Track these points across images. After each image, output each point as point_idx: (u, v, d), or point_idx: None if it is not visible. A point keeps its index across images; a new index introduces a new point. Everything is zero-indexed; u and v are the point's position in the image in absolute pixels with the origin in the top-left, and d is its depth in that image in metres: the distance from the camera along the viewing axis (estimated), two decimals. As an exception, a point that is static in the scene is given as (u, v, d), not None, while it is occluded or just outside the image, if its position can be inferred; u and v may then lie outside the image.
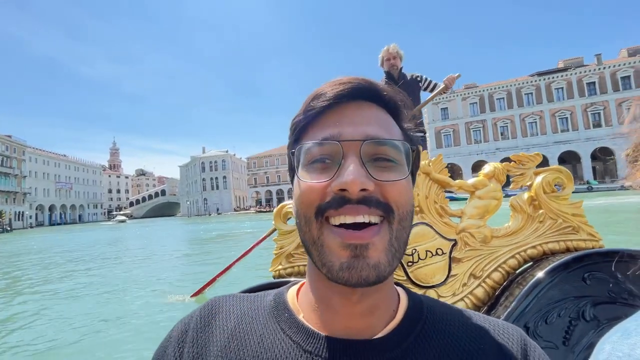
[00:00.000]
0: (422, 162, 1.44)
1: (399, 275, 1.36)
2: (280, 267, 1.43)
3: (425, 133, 3.69)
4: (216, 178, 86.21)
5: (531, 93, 52.38)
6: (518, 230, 1.25)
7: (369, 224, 0.41)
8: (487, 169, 1.36)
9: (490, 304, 1.25)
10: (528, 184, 1.26)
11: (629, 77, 47.39)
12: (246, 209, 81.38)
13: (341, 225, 0.42)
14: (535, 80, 52.13)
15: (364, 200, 0.41)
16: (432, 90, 3.51)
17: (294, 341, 0.45)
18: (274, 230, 1.56)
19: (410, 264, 1.37)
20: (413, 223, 1.45)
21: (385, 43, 3.53)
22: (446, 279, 1.33)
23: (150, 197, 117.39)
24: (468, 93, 55.81)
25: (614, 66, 48.33)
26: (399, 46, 3.48)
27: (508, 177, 1.34)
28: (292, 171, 0.49)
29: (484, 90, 54.87)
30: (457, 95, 55.66)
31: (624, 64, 47.74)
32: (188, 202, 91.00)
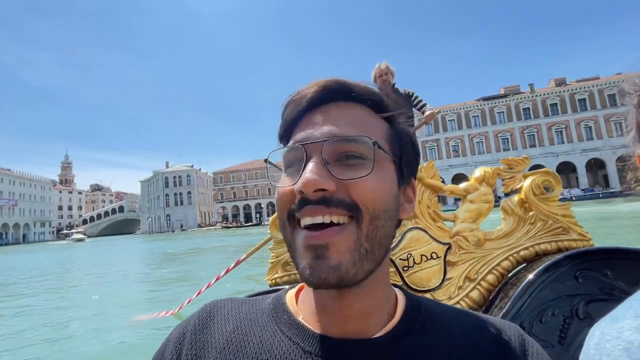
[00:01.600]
0: None
1: (394, 280, 1.32)
2: (277, 275, 1.37)
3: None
4: (180, 193, 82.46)
5: (477, 116, 56.78)
6: (510, 233, 1.27)
7: (331, 224, 0.40)
8: (477, 173, 1.37)
9: (486, 306, 1.24)
10: (518, 186, 1.28)
11: (556, 104, 53.12)
12: (212, 225, 78.20)
13: (306, 227, 0.41)
14: (481, 105, 56.67)
15: (323, 200, 0.40)
16: (418, 108, 3.66)
17: (294, 342, 0.45)
18: (269, 239, 1.48)
19: (405, 268, 1.35)
20: (407, 228, 1.45)
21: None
22: (442, 283, 1.31)
23: (106, 213, 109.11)
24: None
25: (544, 94, 54.01)
26: (389, 62, 3.62)
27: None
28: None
29: (437, 113, 58.96)
30: (415, 116, 58.91)
31: (552, 93, 53.55)
32: (149, 219, 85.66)
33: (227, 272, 2.94)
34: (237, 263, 2.69)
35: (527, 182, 1.26)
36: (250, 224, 68.79)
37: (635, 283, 1.02)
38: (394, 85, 3.65)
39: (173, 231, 75.11)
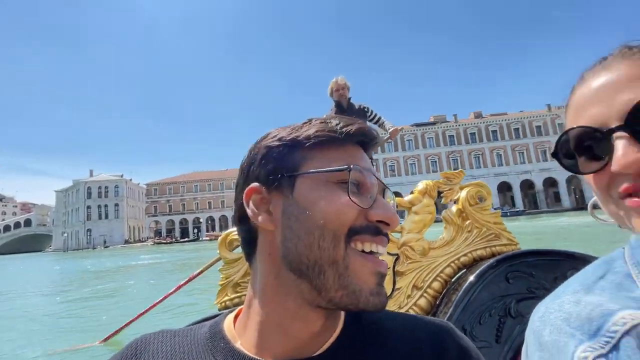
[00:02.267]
0: None
1: None
2: (226, 298, 1.29)
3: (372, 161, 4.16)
4: (106, 206, 73.59)
5: (411, 140, 61.85)
6: (451, 241, 1.35)
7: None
8: (420, 186, 1.45)
9: (433, 312, 1.29)
10: (456, 197, 1.38)
11: (474, 133, 60.50)
12: (142, 241, 71.05)
13: (366, 253, 0.44)
14: (414, 130, 61.97)
15: (386, 234, 0.46)
16: (376, 123, 3.72)
17: None
18: (217, 260, 1.38)
19: None
20: None
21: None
22: (392, 293, 1.34)
23: (7, 228, 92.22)
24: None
25: (466, 124, 61.19)
26: (346, 78, 3.68)
27: (439, 192, 1.46)
28: (281, 177, 0.47)
29: (400, 129, 63.64)
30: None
31: (471, 124, 60.96)
32: (65, 234, 74.64)
33: (178, 288, 2.64)
34: (190, 279, 2.42)
35: (463, 193, 1.36)
36: (186, 239, 63.87)
37: (554, 280, 1.14)
38: (349, 99, 3.72)
39: (94, 248, 66.56)
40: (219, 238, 1.37)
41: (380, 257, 1.45)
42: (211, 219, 75.86)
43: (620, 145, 0.41)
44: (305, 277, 0.43)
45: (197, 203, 75.88)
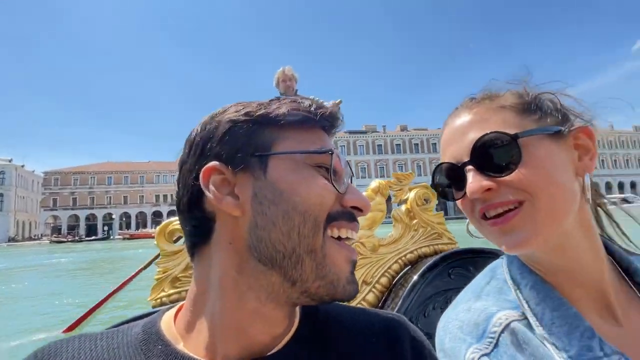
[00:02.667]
0: None
1: None
2: (163, 294, 1.17)
3: None
4: (-15, 196, 60.56)
5: (344, 145, 64.57)
6: (399, 238, 1.41)
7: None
8: (373, 185, 1.49)
9: (380, 306, 1.32)
10: (405, 197, 1.46)
11: (400, 144, 66.01)
12: (35, 238, 60.03)
13: (341, 239, 0.42)
14: (347, 137, 64.80)
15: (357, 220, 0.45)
16: None
17: None
18: (158, 256, 1.27)
19: None
20: None
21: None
22: None
23: None
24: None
25: (393, 136, 66.36)
26: (293, 69, 3.51)
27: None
28: (252, 156, 0.42)
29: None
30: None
31: (398, 136, 66.39)
32: None
33: (116, 291, 2.25)
34: (125, 283, 2.09)
35: (412, 194, 1.45)
36: (94, 238, 55.47)
37: None
38: (296, 91, 3.59)
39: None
40: (157, 228, 1.24)
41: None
42: (126, 215, 67.72)
43: (469, 175, 0.50)
44: (278, 268, 0.39)
45: (110, 197, 67.22)
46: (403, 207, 1.44)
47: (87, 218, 65.48)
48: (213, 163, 0.41)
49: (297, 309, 0.48)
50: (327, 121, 0.45)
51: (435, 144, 64.42)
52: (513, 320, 0.50)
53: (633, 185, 64.66)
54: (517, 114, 0.52)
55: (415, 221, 1.41)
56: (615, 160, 66.56)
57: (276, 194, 0.40)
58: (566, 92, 0.54)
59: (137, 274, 2.05)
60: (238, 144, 0.42)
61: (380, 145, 66.22)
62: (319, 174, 0.42)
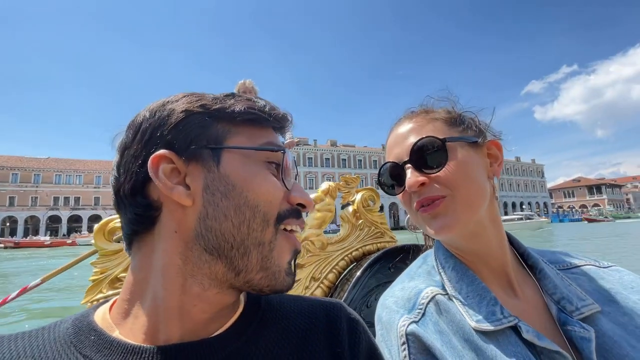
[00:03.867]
0: None
1: None
2: (100, 295, 1.07)
3: None
4: None
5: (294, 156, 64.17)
6: (346, 237, 1.48)
7: None
8: (323, 186, 1.55)
9: None
10: (352, 199, 1.54)
11: (329, 158, 68.47)
12: None
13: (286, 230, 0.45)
14: (278, 148, 64.77)
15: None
16: None
17: None
18: (93, 252, 1.18)
19: None
20: None
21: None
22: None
23: None
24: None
25: (323, 150, 68.59)
26: (254, 82, 3.44)
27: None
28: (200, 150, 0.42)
29: (297, 142, 63.59)
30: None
31: (327, 150, 68.86)
32: None
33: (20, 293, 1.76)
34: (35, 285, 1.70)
35: (358, 196, 1.54)
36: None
37: None
38: None
39: None
40: (96, 227, 1.12)
41: None
42: (11, 219, 55.19)
43: (408, 172, 0.61)
44: (224, 258, 0.41)
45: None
46: (350, 208, 1.52)
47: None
48: (163, 151, 0.40)
49: (243, 293, 0.49)
50: (278, 122, 0.48)
51: (360, 160, 68.52)
52: (437, 294, 0.61)
53: (521, 204, 78.66)
54: (446, 125, 0.64)
55: (361, 221, 1.50)
56: (502, 184, 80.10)
57: (228, 187, 0.41)
58: (481, 114, 0.69)
59: (55, 273, 1.70)
60: (192, 135, 0.41)
61: (311, 158, 67.76)
62: (269, 171, 0.44)
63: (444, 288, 0.62)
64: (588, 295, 0.58)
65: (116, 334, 0.40)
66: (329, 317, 0.50)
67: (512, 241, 0.68)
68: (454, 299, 0.59)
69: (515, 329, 0.54)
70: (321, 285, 1.38)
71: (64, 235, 50.24)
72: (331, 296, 1.37)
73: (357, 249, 1.46)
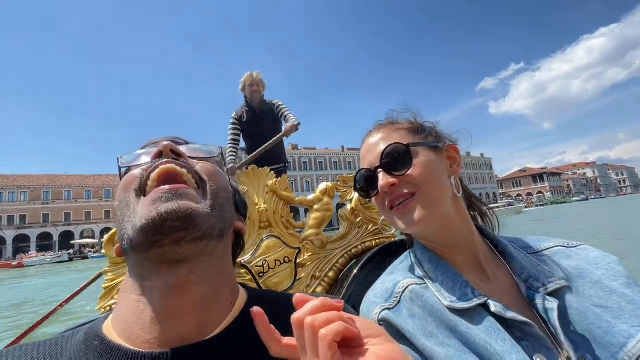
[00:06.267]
0: (270, 182, 1.52)
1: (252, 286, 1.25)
2: (112, 302, 1.12)
3: (286, 162, 3.71)
4: None
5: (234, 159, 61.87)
6: (345, 235, 1.50)
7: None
8: (321, 187, 1.56)
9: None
10: (350, 198, 1.56)
11: (290, 162, 67.22)
12: None
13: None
14: (240, 152, 62.55)
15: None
16: (281, 116, 3.38)
17: None
18: (102, 273, 1.22)
19: (261, 274, 1.35)
20: (263, 236, 1.39)
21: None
22: (293, 284, 1.37)
23: None
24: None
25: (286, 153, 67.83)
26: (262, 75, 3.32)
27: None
28: None
29: (298, 125, 61.00)
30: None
31: (289, 154, 67.72)
32: None
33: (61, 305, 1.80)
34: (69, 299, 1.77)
35: (356, 195, 1.56)
36: None
37: None
38: (263, 96, 3.40)
39: None
40: (105, 237, 1.14)
41: (283, 250, 1.48)
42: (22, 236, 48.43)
43: (380, 176, 0.69)
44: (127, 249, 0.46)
45: None
46: (349, 207, 1.55)
47: None
48: None
49: (240, 291, 0.52)
50: (155, 145, 0.54)
51: (322, 162, 68.15)
52: (413, 284, 0.67)
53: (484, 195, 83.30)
54: (409, 133, 0.72)
55: (359, 219, 1.52)
56: (469, 178, 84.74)
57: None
58: (439, 123, 0.78)
59: (83, 288, 1.80)
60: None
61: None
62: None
63: (422, 279, 0.68)
64: (555, 273, 0.63)
65: (116, 339, 0.42)
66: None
67: (482, 231, 0.75)
68: (430, 287, 0.66)
69: (485, 306, 0.59)
70: (322, 283, 1.39)
71: (9, 258, 45.24)
72: (332, 292, 1.38)
73: (356, 246, 1.48)
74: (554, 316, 0.56)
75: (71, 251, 46.19)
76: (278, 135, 3.02)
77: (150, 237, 0.41)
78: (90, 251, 46.92)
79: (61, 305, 1.74)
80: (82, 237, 52.13)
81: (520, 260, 0.66)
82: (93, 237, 51.42)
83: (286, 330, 0.44)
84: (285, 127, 3.15)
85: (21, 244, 49.44)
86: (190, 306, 0.42)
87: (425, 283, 0.67)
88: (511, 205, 50.93)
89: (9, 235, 48.31)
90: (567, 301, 0.59)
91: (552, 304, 0.57)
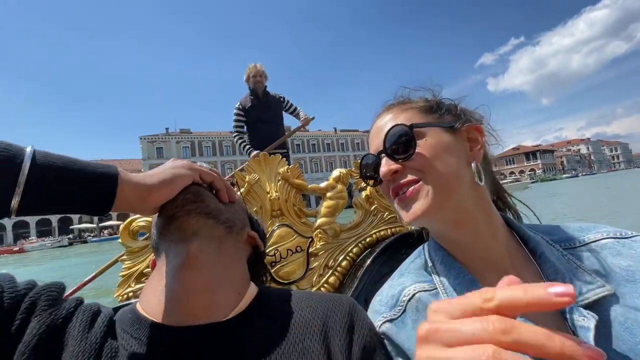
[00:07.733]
0: (282, 169, 1.45)
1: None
2: (129, 289, 1.14)
3: (288, 150, 3.84)
4: None
5: (229, 146, 59.39)
6: (359, 223, 1.43)
7: None
8: (335, 174, 1.48)
9: (338, 287, 1.32)
10: (364, 185, 1.48)
11: (299, 144, 65.23)
12: None
13: None
14: (231, 137, 59.81)
15: None
16: (292, 113, 3.59)
17: (135, 337, 0.46)
18: (120, 257, 1.30)
19: (273, 264, 1.30)
20: (275, 226, 1.32)
21: None
22: (305, 273, 1.33)
23: None
24: (182, 137, 56.88)
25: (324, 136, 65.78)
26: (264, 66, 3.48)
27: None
28: None
29: (195, 137, 58.05)
30: (172, 138, 55.49)
31: (328, 136, 66.17)
32: None
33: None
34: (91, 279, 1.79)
35: (370, 181, 1.48)
36: None
37: None
38: (265, 87, 3.54)
39: None
40: (121, 226, 1.19)
41: (295, 239, 1.45)
42: None
43: (383, 161, 0.61)
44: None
45: None
46: (363, 194, 1.47)
47: None
48: None
49: (251, 285, 0.57)
50: None
51: (314, 144, 66.24)
52: (420, 291, 0.60)
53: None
54: (421, 113, 0.62)
55: (374, 206, 1.45)
56: None
57: None
58: (461, 101, 0.67)
59: (96, 275, 1.83)
60: None
61: (228, 145, 60.07)
62: None
63: (432, 284, 0.60)
64: (598, 276, 0.52)
65: (144, 313, 0.49)
66: (330, 314, 0.54)
67: (511, 225, 0.64)
68: (440, 295, 0.57)
69: None
70: (335, 272, 1.34)
71: (10, 244, 45.34)
72: (345, 282, 1.33)
73: (370, 235, 1.41)
74: (590, 337, 0.46)
75: (70, 236, 46.45)
76: (297, 127, 3.31)
77: (169, 212, 0.50)
78: (90, 235, 47.15)
79: (93, 278, 1.79)
80: (80, 222, 52.04)
81: (553, 262, 0.55)
82: (91, 222, 51.34)
83: (286, 325, 0.51)
84: (302, 119, 3.48)
85: (21, 229, 49.50)
86: (201, 283, 0.48)
87: (436, 289, 0.58)
88: (518, 181, 52.52)
89: (8, 221, 47.97)
90: (610, 313, 0.49)
91: (589, 321, 0.47)
